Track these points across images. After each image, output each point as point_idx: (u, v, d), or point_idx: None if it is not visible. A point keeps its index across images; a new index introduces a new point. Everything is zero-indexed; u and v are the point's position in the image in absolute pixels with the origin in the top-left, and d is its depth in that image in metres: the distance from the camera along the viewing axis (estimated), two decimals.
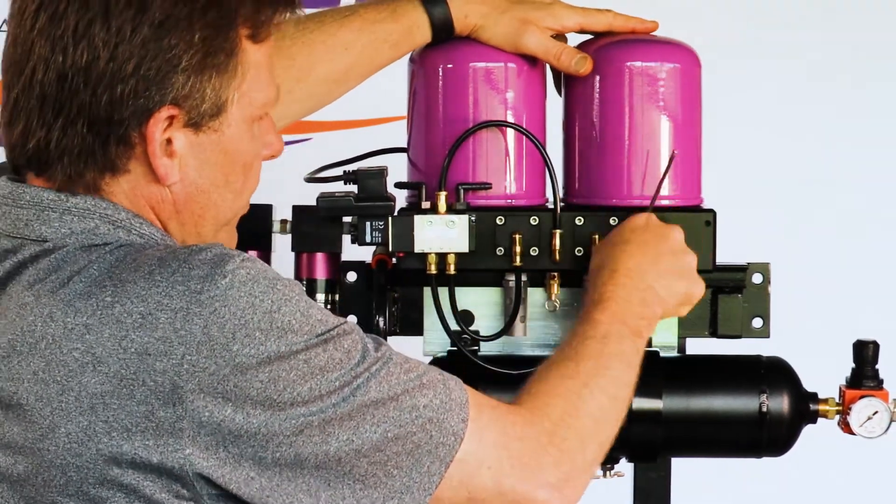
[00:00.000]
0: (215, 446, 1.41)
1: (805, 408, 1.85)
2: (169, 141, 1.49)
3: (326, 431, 1.44)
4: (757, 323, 1.88)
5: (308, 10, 1.72)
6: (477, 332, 1.85)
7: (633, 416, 1.79)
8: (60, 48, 1.46)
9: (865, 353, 1.85)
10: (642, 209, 1.80)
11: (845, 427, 1.85)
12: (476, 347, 1.84)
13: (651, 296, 1.71)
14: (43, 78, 1.46)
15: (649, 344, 1.85)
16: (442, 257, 1.80)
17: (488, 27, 1.81)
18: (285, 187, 1.85)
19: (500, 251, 1.83)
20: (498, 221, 1.82)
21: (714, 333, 1.87)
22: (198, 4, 1.47)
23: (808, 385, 1.87)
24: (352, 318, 1.80)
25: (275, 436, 1.43)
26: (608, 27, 1.83)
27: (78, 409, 1.41)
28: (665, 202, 1.83)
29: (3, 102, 1.51)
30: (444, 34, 1.82)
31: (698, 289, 1.76)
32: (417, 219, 1.79)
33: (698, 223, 1.83)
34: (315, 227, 1.84)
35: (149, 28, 1.46)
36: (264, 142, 1.58)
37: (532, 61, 1.85)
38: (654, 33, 1.88)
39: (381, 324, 1.85)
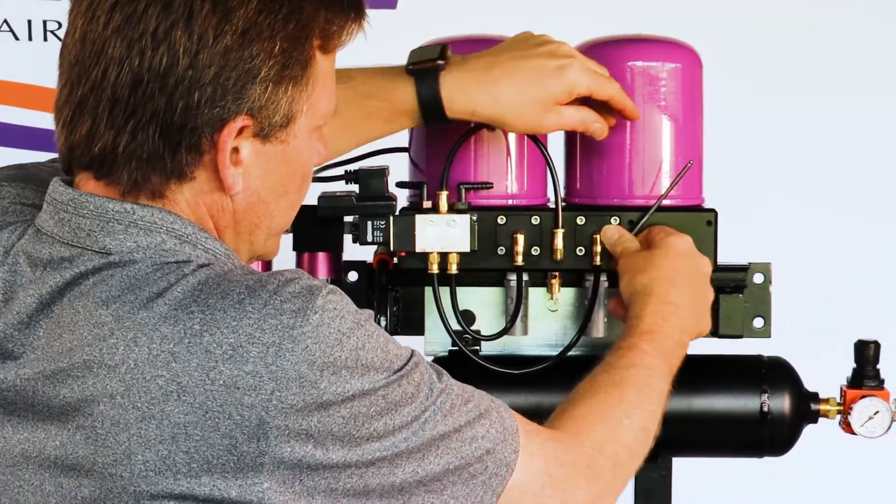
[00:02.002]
0: (291, 480, 1.40)
1: (806, 407, 1.85)
2: (236, 150, 1.47)
3: (395, 463, 1.44)
4: (758, 323, 1.88)
5: None
6: (478, 332, 1.85)
7: None
8: (138, 50, 1.42)
9: (866, 353, 1.85)
10: (643, 209, 1.81)
11: (846, 427, 1.85)
12: (477, 347, 1.84)
13: (688, 337, 1.76)
14: (116, 80, 1.43)
15: None
16: (443, 257, 1.80)
17: (506, 121, 1.75)
18: None
19: (501, 251, 1.83)
20: (499, 221, 1.82)
21: (715, 333, 1.87)
22: (279, 15, 1.45)
23: (810, 385, 1.87)
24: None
25: (348, 468, 1.42)
26: (609, 98, 1.78)
27: (158, 438, 1.38)
28: (666, 202, 1.84)
29: (63, 99, 1.47)
30: (436, 118, 1.76)
31: (707, 271, 1.80)
32: (419, 218, 1.79)
33: (700, 223, 1.83)
34: (316, 226, 1.84)
35: (231, 37, 1.43)
36: (315, 149, 1.57)
37: None
38: (654, 33, 1.88)
39: (383, 323, 1.85)
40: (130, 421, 1.38)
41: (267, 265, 1.85)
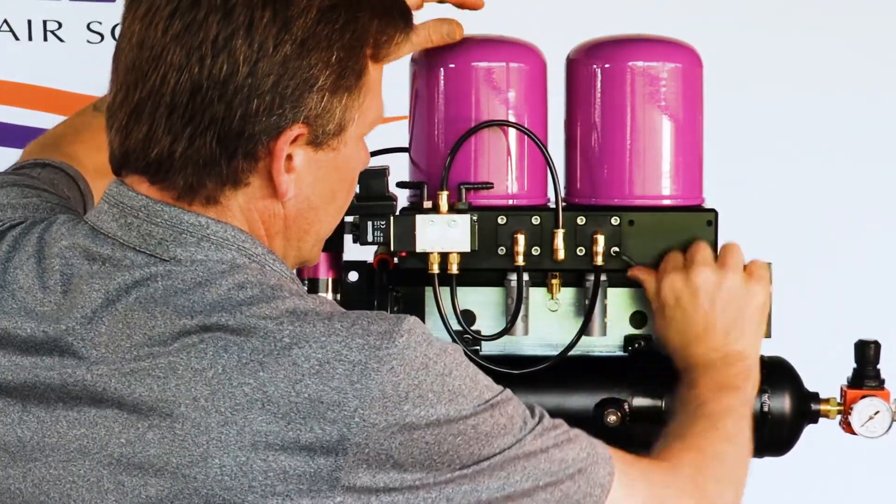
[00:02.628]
0: (367, 496, 1.41)
1: (806, 407, 1.85)
2: (289, 157, 1.48)
3: (477, 481, 1.45)
4: None
5: None
6: (478, 332, 1.85)
7: (634, 416, 1.80)
8: (197, 58, 1.43)
9: (867, 353, 1.85)
10: (643, 209, 1.81)
11: (847, 427, 1.85)
12: (478, 347, 1.84)
13: (732, 357, 1.77)
14: (175, 86, 1.44)
15: (650, 342, 1.86)
16: (444, 257, 1.80)
17: None
18: None
19: (501, 251, 1.83)
20: (500, 221, 1.82)
21: None
22: (337, 25, 1.47)
23: (810, 385, 1.87)
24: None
25: (427, 488, 1.43)
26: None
27: (238, 444, 1.39)
28: (667, 202, 1.84)
29: (119, 103, 1.48)
30: None
31: (756, 295, 1.80)
32: (419, 218, 1.79)
33: (700, 223, 1.84)
34: None
35: (291, 46, 1.44)
36: (361, 157, 1.59)
37: (534, 61, 1.85)
38: (655, 33, 1.88)
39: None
40: (212, 425, 1.40)
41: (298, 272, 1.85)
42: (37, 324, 1.47)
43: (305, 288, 1.73)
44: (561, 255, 1.82)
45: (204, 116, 1.44)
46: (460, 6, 1.82)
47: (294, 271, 1.58)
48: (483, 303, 1.87)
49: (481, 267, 1.83)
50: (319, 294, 1.82)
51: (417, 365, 1.41)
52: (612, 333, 1.87)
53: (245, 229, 1.50)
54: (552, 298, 1.86)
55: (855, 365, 1.86)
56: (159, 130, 1.45)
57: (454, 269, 1.81)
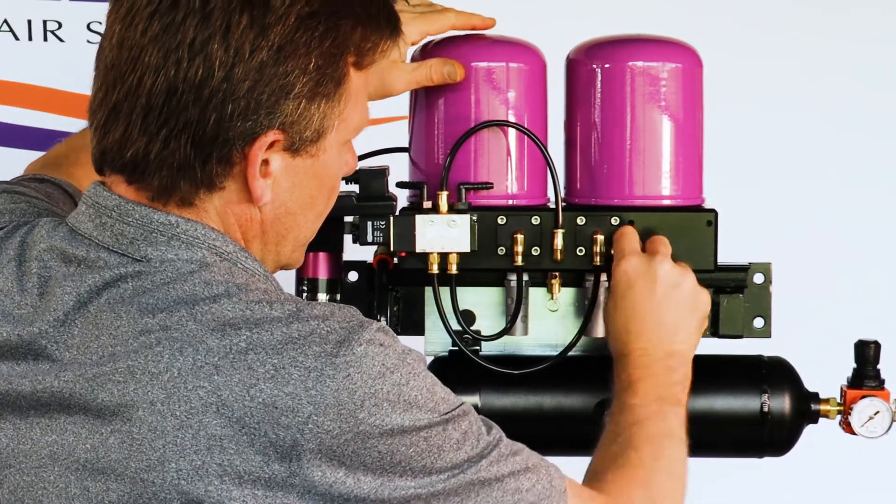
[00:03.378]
0: (321, 502, 1.41)
1: (806, 408, 1.85)
2: (265, 162, 1.48)
3: (430, 500, 1.44)
4: (758, 323, 1.88)
5: None
6: (478, 332, 1.85)
7: None
8: (174, 60, 1.43)
9: (867, 353, 1.85)
10: (644, 209, 1.81)
11: (847, 427, 1.85)
12: (477, 347, 1.84)
13: (674, 360, 1.75)
14: (151, 88, 1.44)
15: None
16: (443, 257, 1.80)
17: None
18: None
19: (501, 251, 1.83)
20: (499, 221, 1.82)
21: (715, 333, 1.87)
22: (316, 33, 1.46)
23: (810, 385, 1.87)
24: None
25: (380, 500, 1.42)
26: (451, 27, 1.80)
27: (193, 448, 1.39)
28: (667, 202, 1.84)
29: (98, 102, 1.48)
30: None
31: (705, 303, 1.79)
32: (419, 218, 1.79)
33: (700, 223, 1.83)
34: None
35: (267, 52, 1.44)
36: (344, 160, 1.58)
37: (534, 61, 1.85)
38: (655, 33, 1.88)
39: (383, 323, 1.85)
40: (168, 428, 1.40)
41: None
42: (12, 327, 1.48)
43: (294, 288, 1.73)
44: (561, 255, 1.82)
45: (179, 119, 1.44)
46: (472, 30, 1.82)
47: (272, 271, 1.58)
48: (483, 303, 1.87)
49: (481, 267, 1.83)
50: (318, 295, 1.83)
51: (374, 374, 1.41)
52: None
53: (221, 231, 1.50)
54: (552, 298, 1.86)
55: (855, 365, 1.86)
56: (135, 131, 1.45)
57: (454, 269, 1.81)
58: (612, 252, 1.81)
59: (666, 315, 1.76)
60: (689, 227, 1.82)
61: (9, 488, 1.47)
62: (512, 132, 1.83)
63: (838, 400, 1.86)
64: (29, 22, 2.86)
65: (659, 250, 1.78)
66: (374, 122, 3.03)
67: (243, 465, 1.39)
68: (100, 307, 1.45)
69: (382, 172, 1.82)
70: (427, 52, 1.86)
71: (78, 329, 1.45)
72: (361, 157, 1.89)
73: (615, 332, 1.78)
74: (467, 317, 1.86)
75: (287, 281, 1.83)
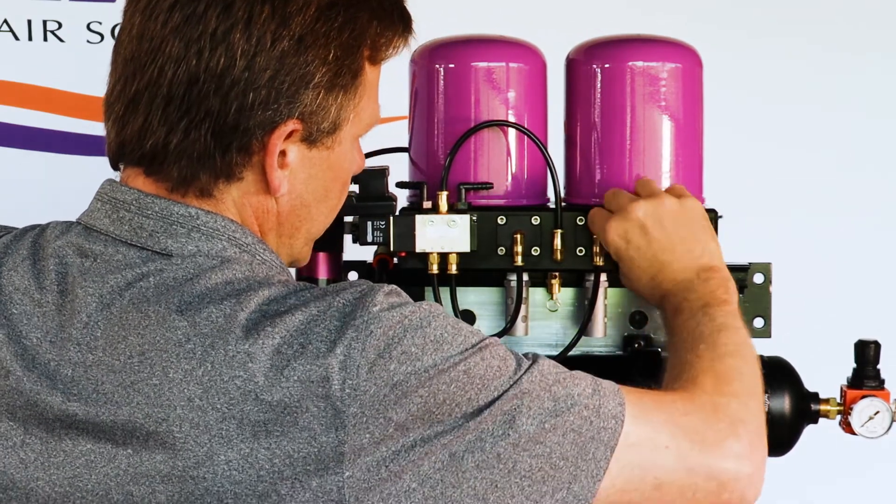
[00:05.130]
0: (376, 467, 1.40)
1: (806, 408, 1.85)
2: (283, 153, 1.49)
3: (481, 430, 1.43)
4: (758, 323, 1.88)
5: None
6: None
7: None
8: (195, 50, 1.44)
9: (867, 353, 1.85)
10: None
11: (847, 427, 1.85)
12: None
13: (705, 273, 1.72)
14: (172, 78, 1.45)
15: (650, 342, 1.86)
16: (443, 257, 1.80)
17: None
18: None
19: (501, 251, 1.83)
20: (499, 221, 1.82)
21: None
22: (335, 24, 1.48)
23: (810, 385, 1.86)
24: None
25: (432, 445, 1.42)
26: None
27: (240, 437, 1.40)
28: None
29: (116, 94, 1.49)
30: None
31: (694, 208, 1.76)
32: (419, 218, 1.79)
33: None
34: None
35: (288, 42, 1.45)
36: (355, 158, 1.59)
37: (534, 61, 1.85)
38: (655, 33, 1.88)
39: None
40: (210, 422, 1.40)
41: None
42: (42, 334, 1.47)
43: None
44: (560, 255, 1.82)
45: (200, 109, 1.45)
46: None
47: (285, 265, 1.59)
48: (483, 303, 1.87)
49: (481, 267, 1.83)
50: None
51: (394, 324, 1.41)
52: (611, 333, 1.87)
53: (239, 223, 1.51)
54: (552, 298, 1.86)
55: (855, 365, 1.86)
56: (155, 121, 1.46)
57: (454, 269, 1.81)
58: (607, 209, 1.79)
59: (674, 242, 1.74)
60: None
61: (38, 501, 1.46)
62: (512, 132, 1.83)
63: (838, 400, 1.85)
64: (29, 22, 2.86)
65: (623, 202, 1.76)
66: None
67: (291, 445, 1.39)
68: (124, 308, 1.45)
69: (382, 172, 1.82)
70: (427, 52, 1.86)
71: (101, 331, 1.45)
72: None
73: (642, 288, 1.76)
74: (467, 317, 1.86)
75: None
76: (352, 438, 1.39)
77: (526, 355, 1.49)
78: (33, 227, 1.56)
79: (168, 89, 1.45)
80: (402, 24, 1.55)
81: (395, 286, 1.46)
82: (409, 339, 1.42)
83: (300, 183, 1.52)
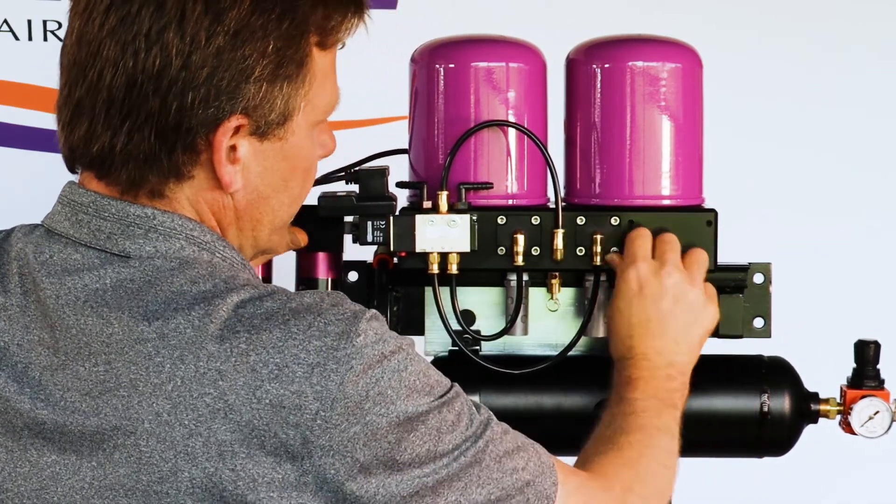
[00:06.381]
0: (334, 498, 1.41)
1: (806, 408, 1.85)
2: (233, 148, 1.48)
3: (437, 492, 1.45)
4: (758, 323, 1.88)
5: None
6: (478, 332, 1.85)
7: None
8: (131, 52, 1.43)
9: (866, 353, 1.85)
10: (643, 209, 1.81)
11: (846, 427, 1.85)
12: (477, 347, 1.84)
13: (674, 369, 1.75)
14: (111, 81, 1.44)
15: None
16: (443, 257, 1.80)
17: None
18: None
19: (501, 251, 1.83)
20: (499, 221, 1.82)
21: (715, 333, 1.87)
22: (273, 15, 1.46)
23: (810, 385, 1.87)
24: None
25: (392, 496, 1.42)
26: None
27: (205, 455, 1.39)
28: (667, 202, 1.84)
29: (63, 101, 1.48)
30: None
31: (710, 318, 1.79)
32: (419, 218, 1.79)
33: (700, 223, 1.83)
34: (316, 226, 1.83)
35: (224, 37, 1.44)
36: (320, 142, 1.58)
37: (534, 61, 1.85)
38: (655, 33, 1.88)
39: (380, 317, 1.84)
40: (177, 438, 1.39)
41: (266, 268, 1.85)
42: (10, 337, 1.46)
43: (260, 277, 1.73)
44: (560, 255, 1.82)
45: (140, 111, 1.44)
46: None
47: (251, 257, 1.58)
48: (483, 303, 1.87)
49: (481, 267, 1.83)
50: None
51: (374, 363, 1.41)
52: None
53: (196, 220, 1.49)
54: (552, 298, 1.86)
55: (855, 365, 1.86)
56: (99, 126, 1.45)
57: (454, 269, 1.80)
58: (625, 252, 1.80)
59: (670, 326, 1.76)
60: (688, 227, 1.82)
61: None
62: (512, 132, 1.83)
63: (838, 400, 1.86)
64: (29, 22, 2.86)
65: (668, 259, 1.78)
66: (374, 122, 3.05)
67: (256, 469, 1.39)
68: (83, 311, 1.44)
69: (382, 172, 1.82)
70: (426, 52, 1.86)
71: (62, 334, 1.44)
72: (361, 161, 1.89)
73: (618, 335, 1.78)
74: (467, 317, 1.86)
75: (287, 281, 1.83)
76: (316, 469, 1.39)
77: (478, 407, 1.52)
78: (0, 232, 1.56)
79: (108, 93, 1.44)
80: (352, 4, 1.53)
81: (375, 311, 1.45)
82: (386, 381, 1.41)
83: (255, 176, 1.51)
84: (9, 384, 1.45)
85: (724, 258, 1.85)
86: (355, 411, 1.39)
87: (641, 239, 1.80)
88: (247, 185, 1.50)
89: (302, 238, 1.78)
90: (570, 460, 1.71)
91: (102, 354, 1.42)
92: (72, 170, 1.52)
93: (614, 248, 1.82)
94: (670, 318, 1.76)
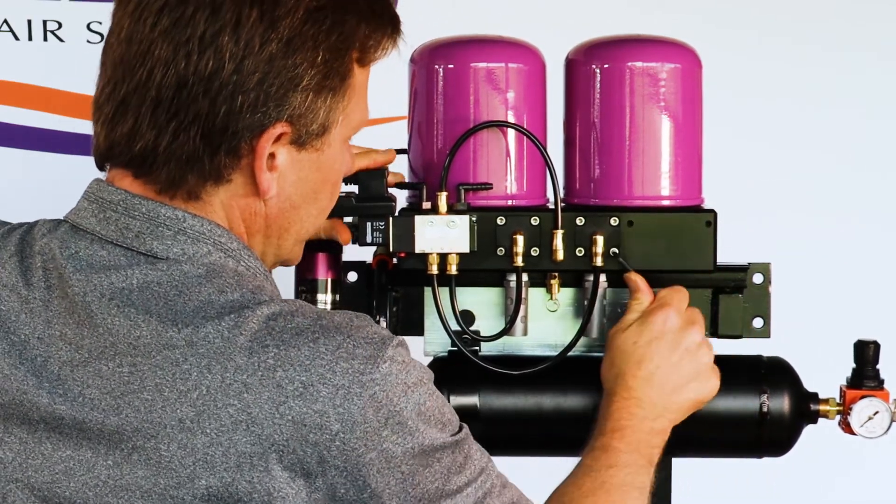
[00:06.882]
0: None
1: (806, 408, 1.85)
2: (272, 155, 1.49)
3: None
4: (758, 323, 1.88)
5: None
6: (477, 332, 1.85)
7: None
8: (184, 54, 1.44)
9: (866, 353, 1.85)
10: (643, 209, 1.81)
11: (846, 427, 1.85)
12: (477, 347, 1.84)
13: (662, 423, 1.74)
14: (161, 81, 1.45)
15: None
16: (443, 257, 1.80)
17: None
18: None
19: (500, 251, 1.83)
20: (499, 222, 1.82)
21: (715, 333, 1.87)
22: (324, 26, 1.48)
23: (809, 385, 1.87)
24: None
25: None
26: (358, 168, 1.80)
27: (224, 465, 1.40)
28: (666, 203, 1.84)
29: (105, 96, 1.49)
30: None
31: (710, 390, 1.78)
32: (418, 219, 1.79)
33: (699, 223, 1.83)
34: None
35: (277, 44, 1.45)
36: (345, 160, 1.59)
37: (533, 61, 1.85)
38: (655, 33, 1.88)
39: (383, 324, 1.85)
40: (198, 446, 1.40)
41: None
42: (31, 330, 1.47)
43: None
44: (560, 255, 1.82)
45: (188, 112, 1.45)
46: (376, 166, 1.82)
47: (271, 267, 1.59)
48: (482, 303, 1.87)
49: (480, 267, 1.83)
50: (318, 296, 1.83)
51: (398, 392, 1.42)
52: None
53: (225, 225, 1.51)
54: (551, 299, 1.86)
55: (854, 365, 1.86)
56: (144, 124, 1.46)
57: (453, 269, 1.81)
58: (659, 295, 1.79)
59: (672, 381, 1.75)
60: (688, 228, 1.82)
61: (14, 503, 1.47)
62: (511, 133, 1.83)
63: (837, 400, 1.86)
64: (29, 22, 2.86)
65: (697, 319, 1.78)
66: (374, 123, 3.04)
67: (272, 483, 1.40)
68: (109, 310, 1.45)
69: (381, 173, 1.82)
70: (426, 52, 1.86)
71: (88, 331, 1.45)
72: None
73: (618, 367, 1.76)
74: (466, 317, 1.86)
75: (287, 281, 1.83)
76: (328, 487, 1.41)
77: (481, 451, 1.53)
78: (21, 225, 1.56)
79: (157, 92, 1.45)
80: (390, 26, 1.56)
81: (402, 339, 1.46)
82: (407, 412, 1.43)
83: (289, 185, 1.52)
84: (28, 377, 1.46)
85: (723, 258, 1.85)
86: (373, 437, 1.41)
87: (680, 294, 1.79)
88: (280, 193, 1.52)
89: (344, 236, 1.80)
90: (571, 461, 1.72)
91: (128, 356, 1.43)
92: (101, 167, 1.53)
93: (614, 249, 1.82)
94: (676, 373, 1.75)
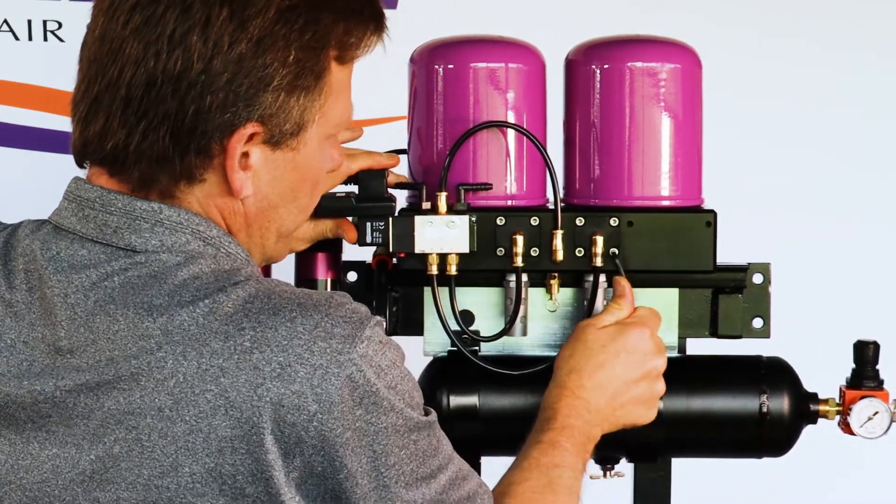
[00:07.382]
0: (318, 498, 1.43)
1: (805, 408, 1.85)
2: (245, 154, 1.49)
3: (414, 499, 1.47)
4: (757, 323, 1.88)
5: None
6: (477, 333, 1.85)
7: None
8: (153, 52, 1.44)
9: (866, 354, 1.85)
10: (642, 209, 1.81)
11: (846, 427, 1.85)
12: (476, 347, 1.84)
13: (598, 433, 1.75)
14: (131, 80, 1.45)
15: None
16: (442, 258, 1.80)
17: None
18: None
19: (500, 251, 1.83)
20: (498, 222, 1.82)
21: (714, 334, 1.87)
22: (296, 26, 1.47)
23: (809, 385, 1.86)
24: None
25: (367, 500, 1.45)
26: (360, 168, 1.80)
27: (205, 451, 1.40)
28: (666, 203, 1.84)
29: (80, 95, 1.49)
30: None
31: (647, 417, 1.78)
32: (418, 219, 1.79)
33: (699, 224, 1.83)
34: None
35: (246, 44, 1.45)
36: (329, 155, 1.58)
37: (533, 61, 1.85)
38: (655, 33, 1.88)
39: (383, 324, 1.85)
40: (178, 434, 1.41)
41: (265, 270, 1.85)
42: (16, 334, 1.47)
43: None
44: (560, 255, 1.82)
45: (158, 111, 1.45)
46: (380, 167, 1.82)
47: (258, 265, 1.59)
48: (482, 303, 1.87)
49: (480, 268, 1.83)
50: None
51: (373, 372, 1.43)
52: None
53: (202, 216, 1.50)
54: (551, 299, 1.86)
55: (854, 365, 1.86)
56: (115, 123, 1.46)
57: (453, 269, 1.80)
58: (640, 311, 1.80)
59: (620, 398, 1.75)
60: (688, 228, 1.82)
61: None
62: (511, 133, 1.83)
63: (837, 400, 1.86)
64: (29, 22, 2.86)
65: (664, 350, 1.79)
66: (374, 123, 3.05)
67: (254, 465, 1.40)
68: (90, 309, 1.45)
69: (382, 173, 1.82)
70: (426, 52, 1.86)
71: (65, 332, 1.45)
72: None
73: (580, 363, 1.76)
74: (466, 317, 1.86)
75: (287, 281, 1.83)
76: (306, 465, 1.42)
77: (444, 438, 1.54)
78: (6, 227, 1.56)
79: (127, 91, 1.45)
80: (372, 22, 1.54)
81: (380, 318, 1.47)
82: (382, 392, 1.43)
83: (265, 184, 1.52)
84: (14, 381, 1.46)
85: (723, 258, 1.85)
86: (348, 416, 1.41)
87: (658, 319, 1.80)
88: (257, 193, 1.51)
89: (350, 235, 1.80)
90: None
91: (107, 352, 1.43)
92: (80, 164, 1.53)
93: (613, 250, 1.82)
94: (628, 392, 1.76)
